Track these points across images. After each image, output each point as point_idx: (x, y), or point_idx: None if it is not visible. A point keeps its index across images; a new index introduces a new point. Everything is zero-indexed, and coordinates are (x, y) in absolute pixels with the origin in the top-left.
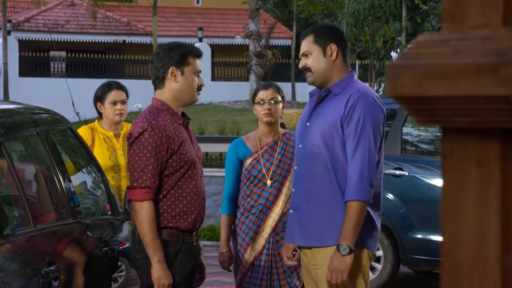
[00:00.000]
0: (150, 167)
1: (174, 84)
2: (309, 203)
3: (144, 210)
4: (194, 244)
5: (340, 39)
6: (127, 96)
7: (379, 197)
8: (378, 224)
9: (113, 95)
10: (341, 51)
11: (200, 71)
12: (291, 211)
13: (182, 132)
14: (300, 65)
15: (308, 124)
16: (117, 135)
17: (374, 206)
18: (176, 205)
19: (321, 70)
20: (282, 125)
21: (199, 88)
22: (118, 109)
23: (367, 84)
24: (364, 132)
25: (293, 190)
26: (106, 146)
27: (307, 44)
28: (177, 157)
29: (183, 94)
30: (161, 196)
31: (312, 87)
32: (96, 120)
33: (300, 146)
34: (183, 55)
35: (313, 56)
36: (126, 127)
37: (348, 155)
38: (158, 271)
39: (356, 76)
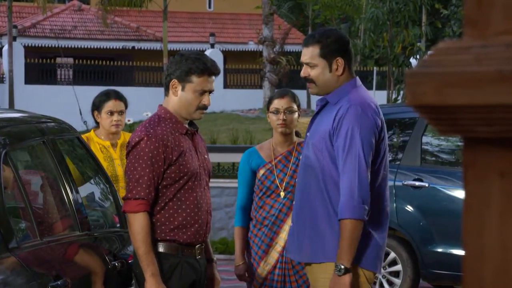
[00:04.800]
0: (145, 178)
1: (174, 97)
2: (303, 217)
3: (137, 222)
4: (198, 257)
5: (346, 50)
6: (126, 106)
7: (383, 211)
8: (380, 239)
9: (110, 105)
10: (346, 63)
11: (206, 91)
12: (291, 224)
13: (184, 142)
14: (302, 74)
15: (307, 134)
16: (114, 145)
17: (376, 221)
18: (175, 217)
19: (326, 84)
20: (297, 134)
21: (203, 107)
22: (115, 120)
23: (369, 92)
24: (352, 147)
25: (294, 203)
26: (103, 156)
27: (311, 55)
28: (176, 167)
29: (180, 109)
30: (158, 208)
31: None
32: (92, 130)
33: (300, 157)
34: (186, 71)
35: (317, 69)
36: (124, 137)
37: (339, 171)
38: (151, 286)
39: (360, 82)
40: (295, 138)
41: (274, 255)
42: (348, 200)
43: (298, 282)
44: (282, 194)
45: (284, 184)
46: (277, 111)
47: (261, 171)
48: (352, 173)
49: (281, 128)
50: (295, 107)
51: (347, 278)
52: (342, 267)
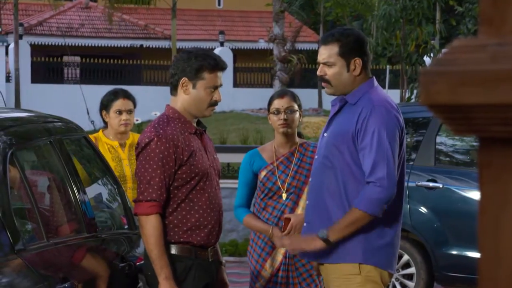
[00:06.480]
0: (157, 179)
1: (184, 95)
2: (319, 218)
3: (150, 225)
4: (210, 260)
5: (365, 51)
6: (135, 105)
7: (399, 209)
8: (396, 238)
9: (119, 104)
10: (364, 64)
11: (217, 86)
12: (305, 224)
13: (194, 142)
14: (318, 73)
15: (325, 134)
16: (122, 145)
17: (394, 220)
18: (188, 219)
19: (342, 84)
20: (300, 135)
21: (214, 103)
22: (123, 119)
23: (385, 92)
24: (381, 147)
25: (307, 202)
26: (111, 156)
27: (329, 53)
28: (187, 168)
29: (191, 107)
30: (171, 210)
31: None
32: (101, 130)
33: (316, 157)
34: (197, 69)
35: (335, 69)
36: (133, 137)
37: (366, 171)
38: None
39: (376, 83)
40: (297, 139)
41: (278, 258)
42: (374, 195)
43: (302, 285)
44: (284, 196)
45: (286, 186)
46: (277, 111)
47: (263, 173)
48: (383, 172)
49: (283, 128)
50: (295, 106)
51: (320, 244)
52: (326, 233)
